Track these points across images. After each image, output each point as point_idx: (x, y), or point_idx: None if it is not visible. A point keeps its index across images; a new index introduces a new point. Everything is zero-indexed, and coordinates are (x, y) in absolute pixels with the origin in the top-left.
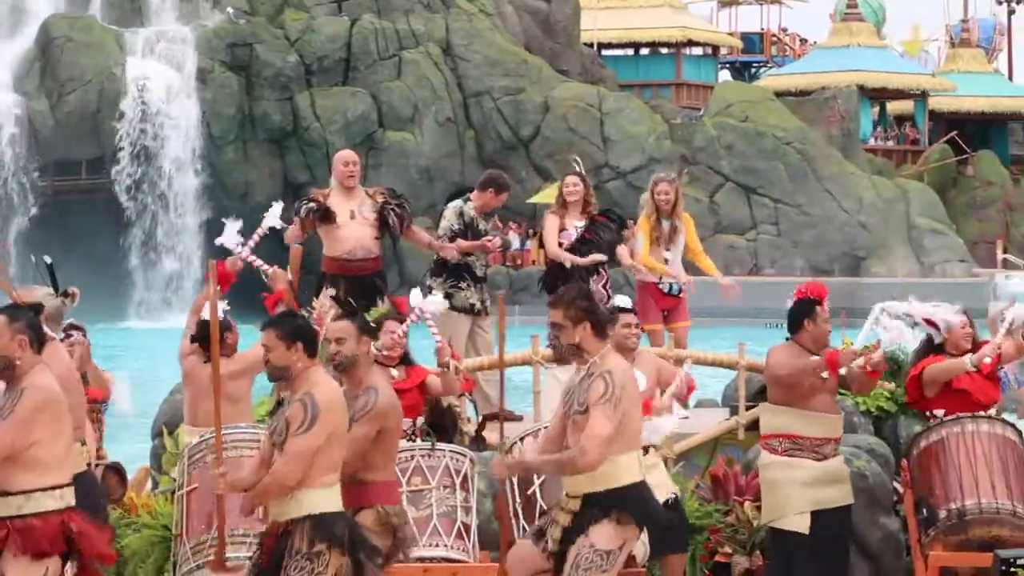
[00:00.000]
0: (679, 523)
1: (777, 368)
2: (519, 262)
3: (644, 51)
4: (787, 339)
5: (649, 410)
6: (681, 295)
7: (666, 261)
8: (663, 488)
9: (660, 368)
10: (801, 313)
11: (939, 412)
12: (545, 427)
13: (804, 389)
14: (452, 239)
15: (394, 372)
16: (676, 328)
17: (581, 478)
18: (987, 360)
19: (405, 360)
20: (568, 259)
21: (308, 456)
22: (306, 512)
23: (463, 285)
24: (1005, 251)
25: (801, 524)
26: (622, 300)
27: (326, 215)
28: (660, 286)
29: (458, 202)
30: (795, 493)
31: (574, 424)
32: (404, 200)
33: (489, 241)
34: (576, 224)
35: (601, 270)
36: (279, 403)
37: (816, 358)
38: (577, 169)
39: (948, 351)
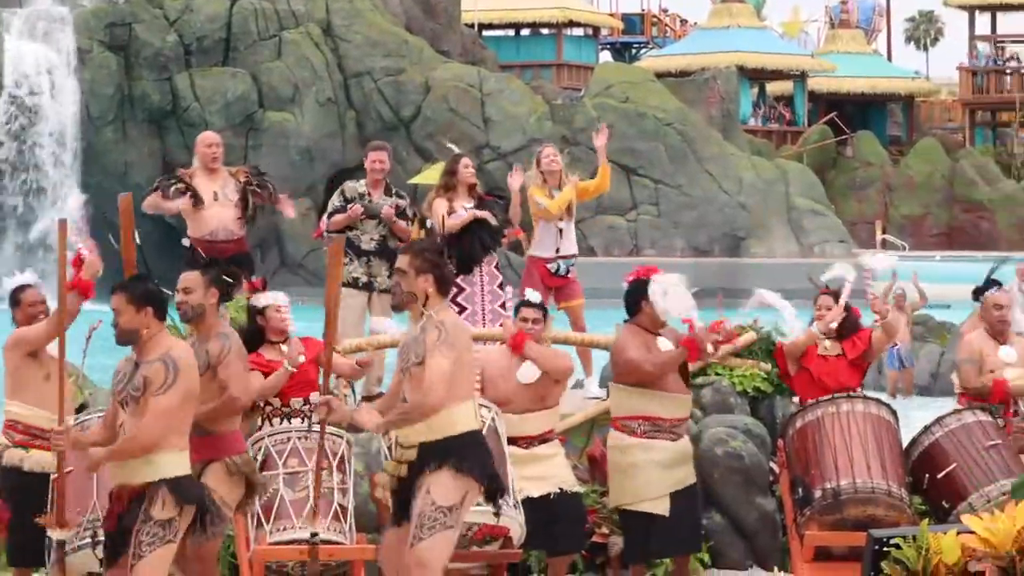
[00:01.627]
0: (568, 521)
1: (640, 362)
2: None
3: (525, 32)
4: (625, 321)
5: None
6: (570, 275)
7: (560, 232)
8: (554, 480)
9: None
10: (638, 295)
11: (795, 399)
12: None
13: (657, 371)
14: (331, 216)
15: (284, 348)
16: (571, 307)
17: (418, 426)
18: (826, 344)
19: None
20: (460, 222)
21: (168, 416)
22: (162, 476)
23: (346, 260)
24: (884, 231)
25: (662, 507)
26: (532, 295)
27: (194, 197)
28: (549, 266)
29: (348, 181)
30: (655, 476)
31: (411, 377)
32: (267, 178)
33: (352, 210)
34: (465, 205)
35: (493, 252)
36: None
37: (678, 351)
38: (456, 151)
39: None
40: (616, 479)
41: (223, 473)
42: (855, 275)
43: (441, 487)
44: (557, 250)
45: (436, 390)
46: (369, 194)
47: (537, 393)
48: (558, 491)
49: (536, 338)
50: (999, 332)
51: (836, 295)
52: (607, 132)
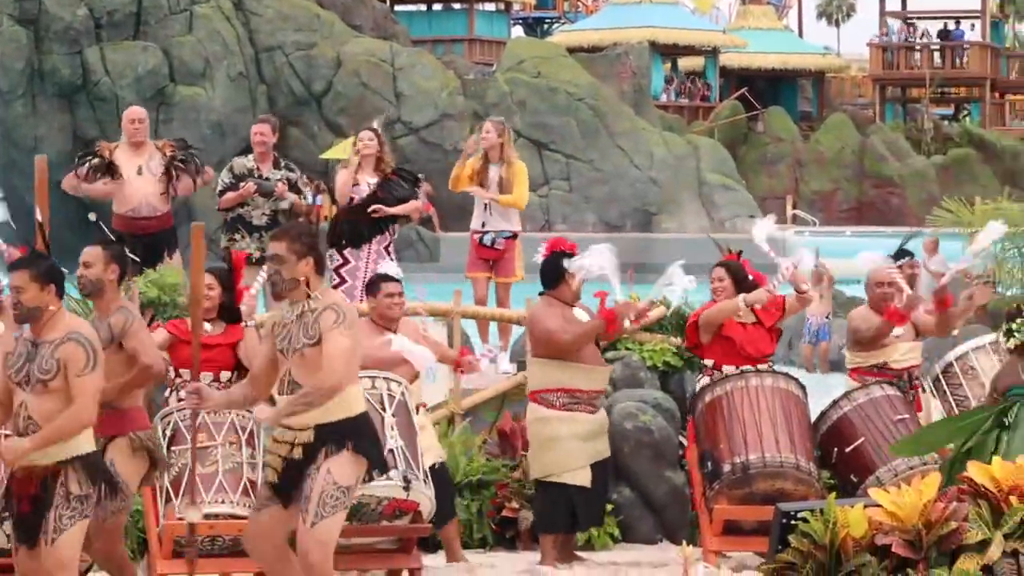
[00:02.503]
0: (448, 486)
1: (558, 333)
2: (311, 218)
3: (437, 7)
4: (540, 294)
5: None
6: (498, 247)
7: (486, 207)
8: (431, 452)
9: (424, 335)
10: (556, 267)
11: (708, 362)
12: None
13: (573, 342)
14: (222, 194)
15: (208, 327)
16: (501, 283)
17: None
18: (758, 305)
19: (230, 317)
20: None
21: (98, 395)
22: (75, 454)
23: (238, 237)
24: (795, 207)
25: (583, 478)
26: (388, 267)
27: (108, 169)
28: (477, 237)
29: (236, 157)
30: (576, 447)
31: (302, 358)
32: (192, 151)
33: (244, 188)
34: (369, 180)
35: (387, 231)
36: None
37: (597, 321)
38: (375, 125)
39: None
40: (536, 451)
41: (127, 448)
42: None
43: (341, 467)
44: (483, 224)
45: (339, 371)
46: (258, 168)
47: (411, 367)
48: (439, 462)
49: (397, 314)
50: (882, 309)
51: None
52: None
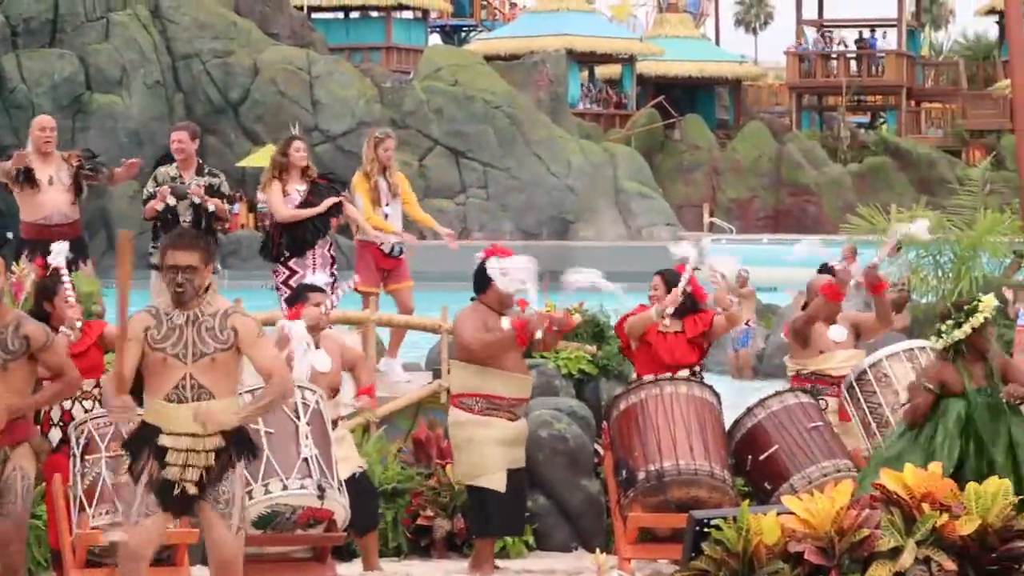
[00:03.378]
0: (370, 496)
1: (469, 340)
2: (228, 225)
3: (354, 14)
4: (472, 299)
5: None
6: (402, 256)
7: (386, 217)
8: (350, 461)
9: (344, 350)
10: (485, 273)
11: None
12: None
13: (482, 351)
14: (145, 203)
15: (70, 334)
16: (399, 289)
17: (223, 416)
18: (666, 322)
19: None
20: (306, 214)
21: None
22: None
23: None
24: (712, 215)
25: (498, 482)
26: (317, 278)
27: (28, 177)
28: (381, 248)
29: (161, 167)
30: (492, 451)
31: (213, 363)
32: (99, 161)
33: (159, 193)
34: (298, 188)
35: (325, 235)
36: None
37: (508, 329)
38: (296, 133)
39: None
40: (456, 455)
41: (30, 453)
42: (696, 256)
43: (242, 476)
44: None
45: (287, 374)
46: (181, 176)
47: (330, 380)
48: (359, 471)
49: (323, 323)
50: (827, 316)
51: (669, 278)
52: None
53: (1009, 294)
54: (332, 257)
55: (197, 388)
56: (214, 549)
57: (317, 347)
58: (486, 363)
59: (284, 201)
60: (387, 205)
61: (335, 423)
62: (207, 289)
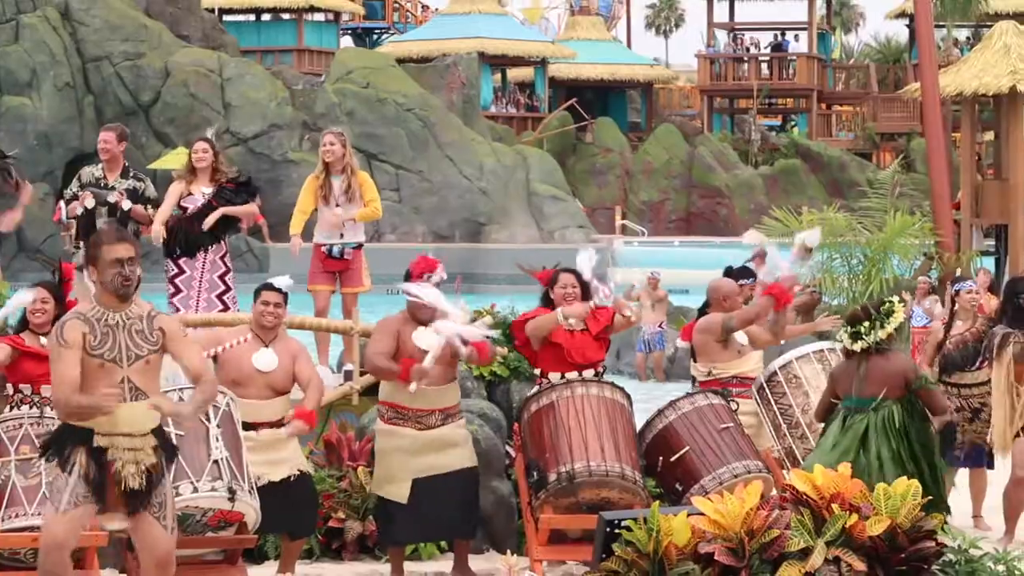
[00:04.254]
0: (306, 503)
1: (367, 355)
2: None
3: (266, 17)
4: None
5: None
6: (346, 258)
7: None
8: (291, 463)
9: (297, 355)
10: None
11: (537, 371)
12: None
13: (371, 370)
14: (68, 203)
15: (43, 340)
16: (345, 293)
17: (149, 414)
18: (571, 321)
19: None
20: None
21: None
22: None
23: (80, 245)
24: (624, 217)
25: (398, 493)
26: (279, 281)
27: None
28: (323, 249)
29: (86, 166)
30: (395, 461)
31: (147, 364)
32: (9, 160)
33: (81, 197)
34: (204, 190)
35: (222, 240)
36: None
37: (395, 368)
38: (209, 135)
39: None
40: (375, 463)
41: None
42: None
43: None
44: (340, 236)
45: (212, 371)
46: (105, 177)
47: (273, 380)
48: (297, 473)
49: (268, 323)
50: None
51: (579, 276)
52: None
53: (907, 295)
54: (225, 265)
55: (134, 390)
56: (152, 551)
57: (267, 346)
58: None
59: (181, 201)
60: (338, 205)
61: (279, 424)
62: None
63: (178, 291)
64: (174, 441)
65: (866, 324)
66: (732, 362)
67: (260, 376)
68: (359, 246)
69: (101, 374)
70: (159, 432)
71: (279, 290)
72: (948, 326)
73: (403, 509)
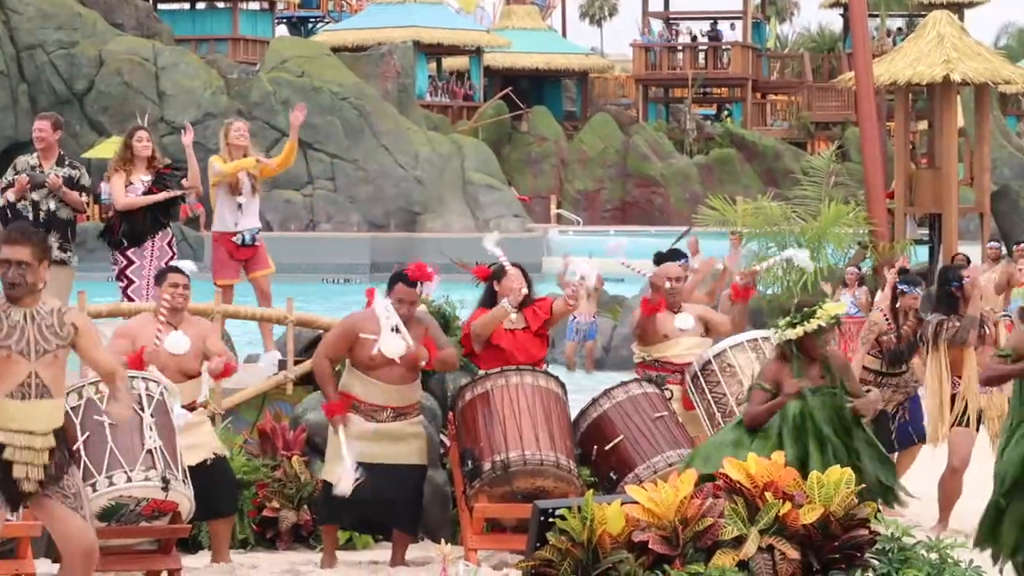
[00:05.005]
0: (225, 484)
1: (317, 352)
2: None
3: (200, 5)
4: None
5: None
6: (257, 244)
7: (240, 207)
8: (206, 447)
9: (207, 335)
10: (388, 285)
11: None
12: None
13: (370, 356)
14: (3, 191)
15: None
16: (257, 277)
17: (54, 412)
18: (512, 317)
19: None
20: (143, 201)
21: None
22: None
23: None
24: (559, 206)
25: (346, 480)
26: (184, 264)
27: None
28: (234, 239)
29: (21, 155)
30: (340, 446)
31: (56, 359)
32: None
33: (18, 182)
34: (143, 179)
35: (167, 227)
36: None
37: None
38: (142, 123)
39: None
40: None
41: None
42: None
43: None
44: (236, 224)
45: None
46: (40, 166)
47: (184, 364)
48: (212, 456)
49: (178, 304)
50: (673, 303)
51: (523, 270)
52: (304, 110)
53: (828, 287)
54: (172, 250)
55: (41, 386)
56: (72, 541)
57: (176, 329)
58: (357, 366)
59: (125, 191)
60: (241, 196)
61: (192, 407)
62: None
63: (131, 282)
64: (104, 431)
65: (783, 322)
66: (657, 345)
67: (172, 360)
68: (259, 231)
69: (7, 366)
70: (59, 430)
71: (185, 272)
72: (897, 320)
73: (352, 496)
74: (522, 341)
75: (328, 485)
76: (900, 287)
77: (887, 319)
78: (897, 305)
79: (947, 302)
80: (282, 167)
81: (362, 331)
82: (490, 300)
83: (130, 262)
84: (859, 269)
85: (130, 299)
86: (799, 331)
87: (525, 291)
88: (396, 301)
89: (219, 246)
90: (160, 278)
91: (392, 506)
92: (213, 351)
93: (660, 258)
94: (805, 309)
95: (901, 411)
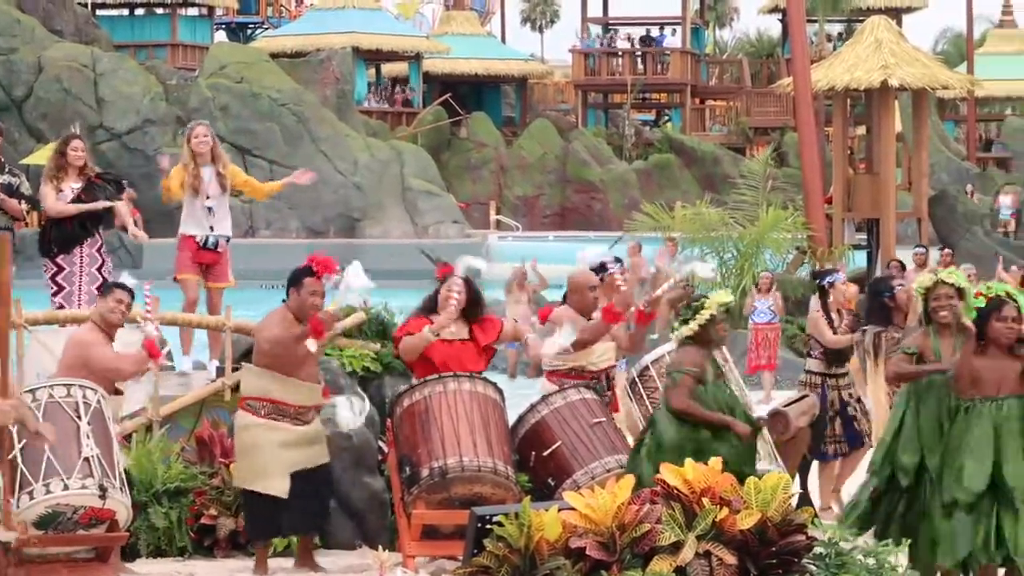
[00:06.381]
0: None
1: (262, 333)
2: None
3: (139, 11)
4: (283, 301)
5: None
6: (219, 250)
7: (209, 210)
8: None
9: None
10: (290, 281)
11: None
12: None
13: (292, 357)
14: None
15: None
16: (212, 289)
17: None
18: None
19: None
20: (73, 209)
21: None
22: None
23: None
24: (498, 212)
25: (279, 488)
26: (127, 278)
27: None
28: (196, 239)
29: None
30: (273, 457)
31: None
32: None
33: None
34: (73, 186)
35: (97, 233)
36: None
37: (300, 328)
38: (77, 131)
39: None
40: (238, 459)
41: None
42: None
43: None
44: (211, 228)
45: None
46: None
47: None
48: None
49: (117, 321)
50: (588, 312)
51: (469, 283)
52: (313, 177)
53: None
54: (102, 257)
55: None
56: None
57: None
58: (277, 369)
59: (56, 198)
60: (209, 198)
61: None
62: None
63: (60, 289)
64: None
65: (679, 319)
66: (570, 355)
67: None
68: (227, 239)
69: None
70: None
71: (130, 288)
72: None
73: (279, 503)
74: (459, 353)
75: (258, 498)
76: (825, 282)
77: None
78: (830, 300)
79: (880, 312)
80: (252, 194)
81: (288, 325)
82: (433, 304)
83: (60, 268)
84: (771, 273)
85: (60, 306)
86: (693, 326)
87: (455, 305)
88: (309, 294)
89: (183, 245)
90: (106, 291)
91: (316, 511)
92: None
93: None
94: (694, 304)
95: (852, 411)
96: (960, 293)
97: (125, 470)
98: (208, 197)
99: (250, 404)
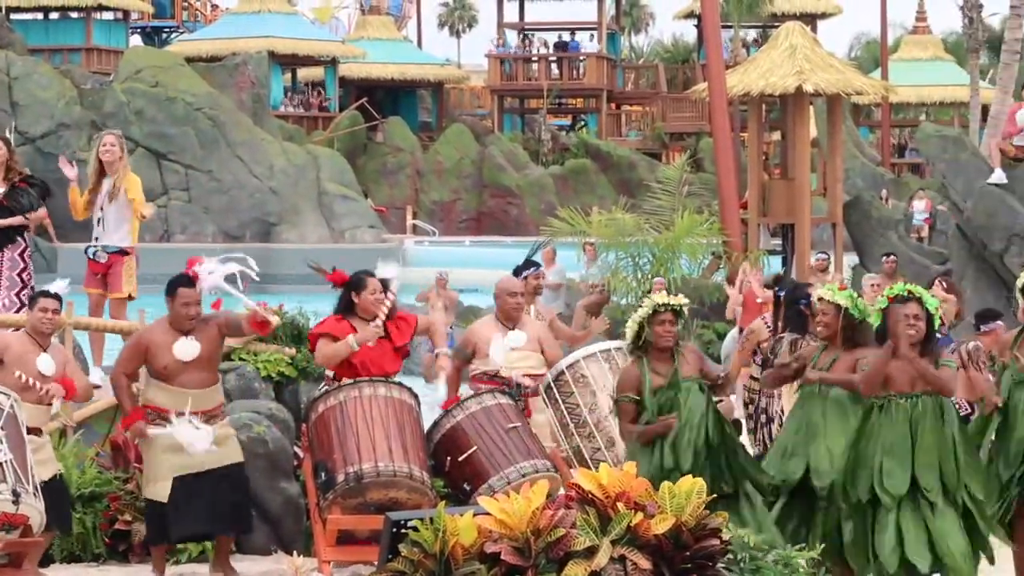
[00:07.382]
0: (62, 503)
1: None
2: None
3: (54, 15)
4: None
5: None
6: (105, 261)
7: (99, 221)
8: (48, 465)
9: (68, 361)
10: (166, 291)
11: (330, 372)
12: None
13: (168, 364)
14: None
15: None
16: (111, 299)
17: None
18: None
19: None
20: None
21: None
22: None
23: None
24: (415, 217)
25: (161, 492)
26: (57, 285)
27: None
28: (87, 253)
29: None
30: (158, 461)
31: None
32: None
33: None
34: None
35: (20, 238)
36: None
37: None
38: (7, 134)
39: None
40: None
41: None
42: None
43: None
44: (96, 238)
45: None
46: None
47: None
48: (58, 474)
49: (47, 330)
50: (511, 318)
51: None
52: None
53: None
54: (24, 261)
55: None
56: None
57: (45, 351)
58: (154, 375)
59: None
60: (102, 209)
61: (39, 431)
62: None
63: None
64: None
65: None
66: (485, 359)
67: (42, 380)
68: (121, 252)
69: None
70: None
71: (57, 297)
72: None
73: (166, 508)
74: (377, 355)
75: (151, 504)
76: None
77: (768, 326)
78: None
79: (797, 320)
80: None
81: (151, 342)
82: (346, 308)
83: None
84: (665, 280)
85: None
86: (633, 326)
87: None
88: (182, 305)
89: (85, 260)
90: (32, 301)
91: (217, 515)
92: (78, 381)
93: (517, 271)
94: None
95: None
96: (838, 309)
97: (59, 475)
98: (101, 209)
99: (146, 411)
